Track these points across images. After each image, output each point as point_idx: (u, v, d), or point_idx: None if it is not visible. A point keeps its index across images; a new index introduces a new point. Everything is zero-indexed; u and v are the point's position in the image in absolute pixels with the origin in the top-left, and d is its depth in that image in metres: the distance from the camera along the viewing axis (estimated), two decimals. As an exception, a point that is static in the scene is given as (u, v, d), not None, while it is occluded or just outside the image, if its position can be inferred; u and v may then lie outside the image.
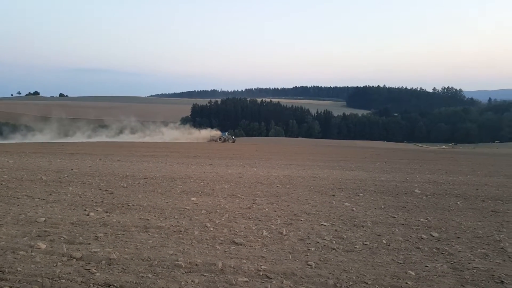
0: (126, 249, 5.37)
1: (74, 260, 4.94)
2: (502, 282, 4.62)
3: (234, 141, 69.84)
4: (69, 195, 9.38)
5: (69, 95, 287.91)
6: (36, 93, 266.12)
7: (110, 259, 4.95)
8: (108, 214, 7.52)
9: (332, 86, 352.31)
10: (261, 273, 4.67)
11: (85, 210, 7.79)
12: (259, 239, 6.08)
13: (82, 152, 25.58)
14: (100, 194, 9.57)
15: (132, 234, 6.14)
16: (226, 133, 78.02)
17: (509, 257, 5.55)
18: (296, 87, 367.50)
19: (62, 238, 5.81)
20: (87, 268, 4.68)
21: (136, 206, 8.29)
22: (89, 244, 5.59)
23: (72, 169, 14.64)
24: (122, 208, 8.09)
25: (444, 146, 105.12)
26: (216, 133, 75.98)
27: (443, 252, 5.70)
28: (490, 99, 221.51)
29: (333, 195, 10.40)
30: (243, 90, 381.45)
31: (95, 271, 4.58)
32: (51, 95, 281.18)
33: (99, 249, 5.31)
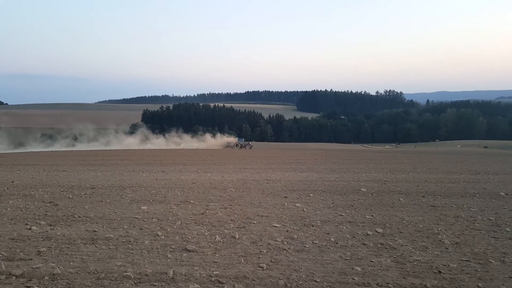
0: (71, 263, 5.13)
1: (14, 277, 4.64)
2: (440, 272, 4.98)
3: (251, 147, 68.39)
4: (9, 209, 8.76)
5: (9, 103, 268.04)
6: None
7: (53, 274, 4.71)
8: (52, 227, 7.13)
9: (283, 90, 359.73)
10: (213, 279, 4.67)
11: (26, 224, 7.33)
12: (211, 245, 6.06)
13: (24, 163, 23.97)
14: (44, 207, 9.04)
15: (78, 247, 5.87)
16: (243, 140, 76.55)
17: (446, 248, 5.99)
18: (248, 91, 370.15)
19: (0, 255, 5.43)
20: (28, 285, 4.42)
21: (83, 217, 7.93)
22: (30, 259, 5.28)
23: (13, 181, 13.69)
24: (68, 220, 7.70)
25: (387, 146, 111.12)
26: (232, 139, 74.48)
27: (387, 247, 6.03)
28: (428, 100, 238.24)
29: (285, 197, 10.61)
30: (196, 95, 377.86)
31: (36, 288, 4.34)
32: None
33: (41, 265, 5.03)
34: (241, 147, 67.62)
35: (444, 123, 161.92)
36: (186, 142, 74.54)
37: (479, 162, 27.23)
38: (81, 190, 11.73)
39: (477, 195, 11.04)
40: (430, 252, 5.80)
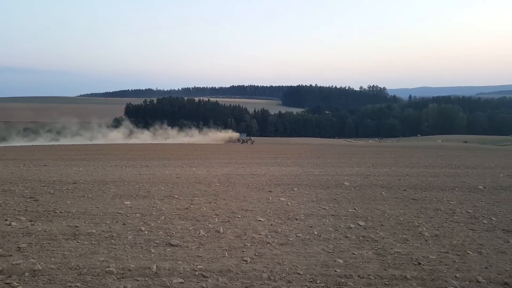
0: (52, 259, 5.06)
1: (-7, 274, 4.55)
2: (419, 263, 5.11)
3: (252, 143, 68.91)
4: (-13, 205, 8.55)
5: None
6: None
7: (34, 270, 4.64)
8: (32, 222, 7.00)
9: (268, 85, 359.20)
10: (197, 273, 4.68)
11: (6, 219, 7.17)
12: (196, 239, 6.06)
13: (4, 158, 23.37)
14: (24, 202, 8.86)
15: (60, 243, 5.79)
16: (245, 135, 77.83)
17: (426, 241, 6.14)
18: (233, 86, 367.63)
19: (-22, 252, 5.30)
20: (8, 282, 4.34)
21: (64, 213, 7.80)
22: (10, 256, 5.18)
23: (-10, 177, 13.35)
24: (49, 215, 7.57)
25: (371, 141, 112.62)
26: (234, 134, 75.19)
27: (369, 240, 6.14)
28: (410, 96, 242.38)
29: (269, 191, 10.67)
30: (180, 89, 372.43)
31: (17, 284, 4.27)
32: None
33: (21, 261, 4.95)
34: (242, 142, 68.60)
35: (426, 118, 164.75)
36: (175, 137, 74.17)
37: (459, 156, 27.89)
38: (62, 185, 11.53)
39: (457, 189, 11.33)
40: (410, 244, 5.93)
